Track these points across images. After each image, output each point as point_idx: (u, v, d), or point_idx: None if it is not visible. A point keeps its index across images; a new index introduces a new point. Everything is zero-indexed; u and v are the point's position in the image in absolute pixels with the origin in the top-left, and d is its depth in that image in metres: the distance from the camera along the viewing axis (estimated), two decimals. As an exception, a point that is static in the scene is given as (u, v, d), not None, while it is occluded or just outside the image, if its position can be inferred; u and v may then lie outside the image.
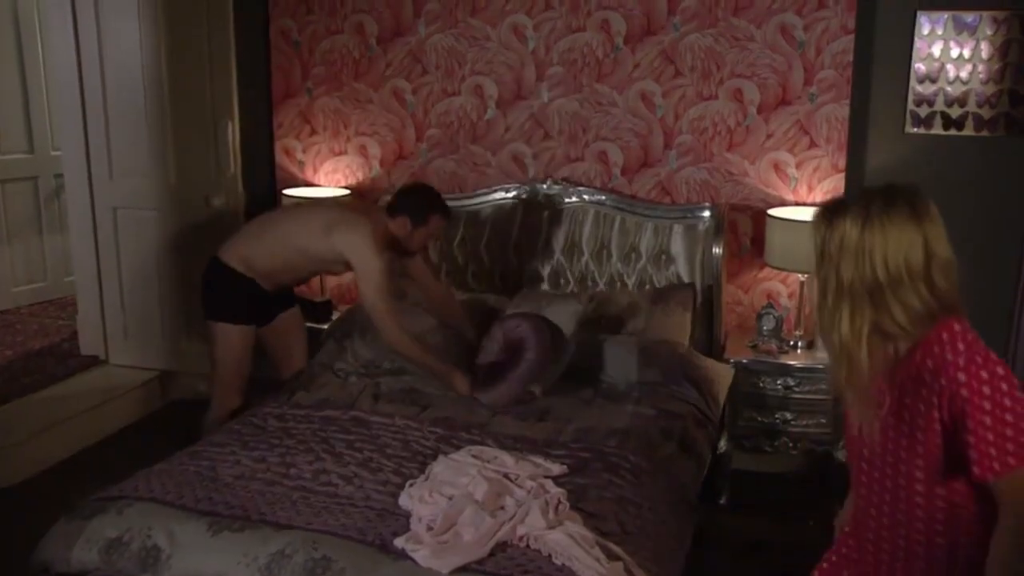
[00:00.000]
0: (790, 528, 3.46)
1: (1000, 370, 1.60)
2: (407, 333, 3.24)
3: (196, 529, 2.39)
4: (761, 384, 3.60)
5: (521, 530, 2.31)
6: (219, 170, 4.37)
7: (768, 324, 3.65)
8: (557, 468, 2.66)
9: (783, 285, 3.88)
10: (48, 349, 4.85)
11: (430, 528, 2.32)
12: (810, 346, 3.68)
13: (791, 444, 3.61)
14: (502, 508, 2.40)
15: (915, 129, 3.66)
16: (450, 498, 2.43)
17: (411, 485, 2.55)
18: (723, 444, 3.63)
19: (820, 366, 3.54)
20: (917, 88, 3.63)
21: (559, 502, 2.44)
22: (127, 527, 2.42)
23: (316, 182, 4.42)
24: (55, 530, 2.50)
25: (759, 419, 3.62)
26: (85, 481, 3.47)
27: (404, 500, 2.49)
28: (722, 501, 3.67)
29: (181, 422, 4.05)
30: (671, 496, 2.72)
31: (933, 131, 3.64)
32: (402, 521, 2.40)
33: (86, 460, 4.00)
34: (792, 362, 3.59)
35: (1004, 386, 1.58)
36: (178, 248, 4.43)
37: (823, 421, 3.57)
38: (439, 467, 2.61)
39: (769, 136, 3.78)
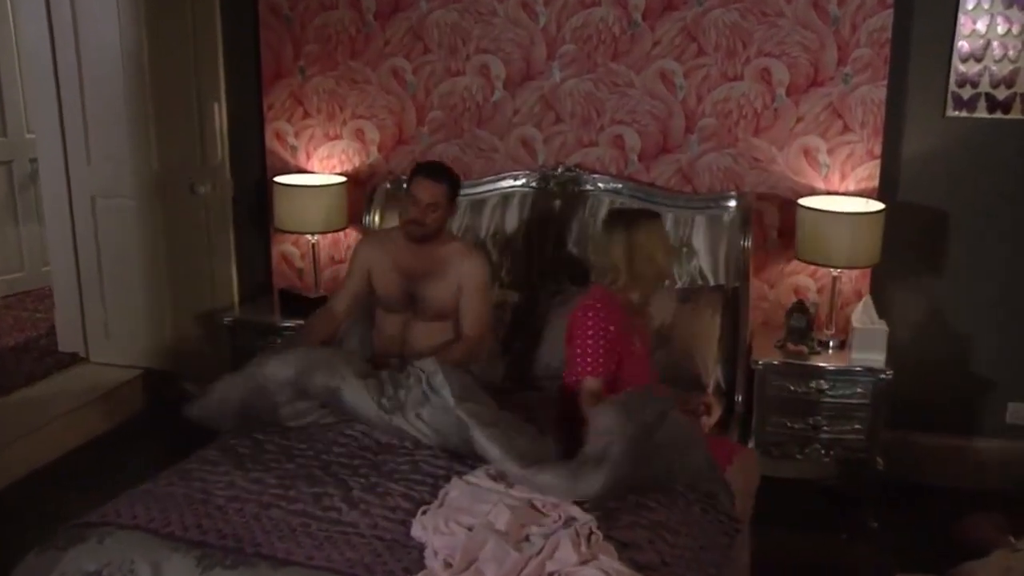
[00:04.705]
0: (821, 542, 3.30)
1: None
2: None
3: (184, 564, 2.16)
4: (790, 387, 3.38)
5: (551, 566, 2.08)
6: (205, 156, 4.18)
7: (799, 323, 3.43)
8: (585, 491, 2.41)
9: (812, 280, 3.65)
10: (24, 345, 4.63)
11: (448, 564, 2.08)
12: (842, 346, 3.45)
13: (823, 451, 3.39)
14: (527, 540, 2.17)
15: (957, 112, 3.46)
16: (469, 528, 2.18)
17: (424, 513, 2.30)
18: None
19: (857, 368, 3.32)
20: (960, 68, 3.41)
21: (591, 531, 2.20)
22: (107, 560, 2.20)
23: (309, 168, 4.17)
24: (26, 563, 2.27)
25: (788, 425, 3.40)
26: (64, 492, 3.35)
27: (417, 530, 2.25)
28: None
29: (166, 424, 3.84)
30: (711, 517, 2.48)
31: (977, 114, 3.44)
32: (415, 554, 2.17)
33: (65, 468, 3.78)
34: (824, 364, 3.37)
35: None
36: (161, 239, 4.23)
37: (858, 427, 3.35)
38: (455, 491, 2.37)
39: (799, 120, 3.56)
